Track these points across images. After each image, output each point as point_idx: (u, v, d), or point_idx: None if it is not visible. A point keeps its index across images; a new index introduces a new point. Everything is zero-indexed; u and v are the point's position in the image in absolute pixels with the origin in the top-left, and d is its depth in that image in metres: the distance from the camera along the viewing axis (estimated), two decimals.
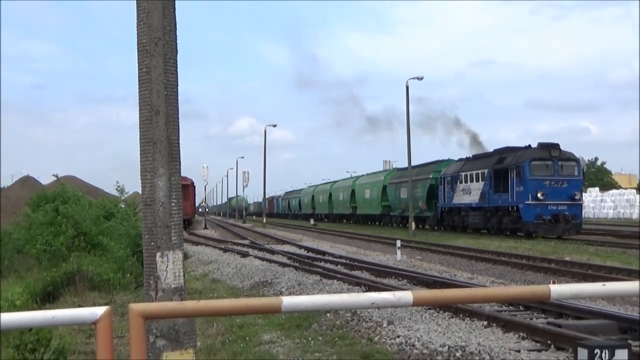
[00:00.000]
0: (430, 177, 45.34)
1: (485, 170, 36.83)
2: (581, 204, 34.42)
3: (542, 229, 31.52)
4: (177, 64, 5.22)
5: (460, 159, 43.58)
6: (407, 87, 43.33)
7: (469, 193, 38.57)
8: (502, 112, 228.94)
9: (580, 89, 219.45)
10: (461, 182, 39.79)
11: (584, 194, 43.69)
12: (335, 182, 74.69)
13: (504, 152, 36.64)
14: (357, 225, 58.65)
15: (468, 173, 39.10)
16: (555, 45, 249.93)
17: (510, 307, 11.55)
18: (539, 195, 31.55)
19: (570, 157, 33.54)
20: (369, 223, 57.25)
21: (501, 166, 35.03)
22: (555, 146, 33.33)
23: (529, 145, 34.82)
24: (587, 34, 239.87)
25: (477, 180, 37.71)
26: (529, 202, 31.80)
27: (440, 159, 47.60)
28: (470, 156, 42.87)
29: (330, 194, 70.40)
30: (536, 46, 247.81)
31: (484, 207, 37.01)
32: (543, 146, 33.64)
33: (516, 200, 33.02)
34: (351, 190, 62.07)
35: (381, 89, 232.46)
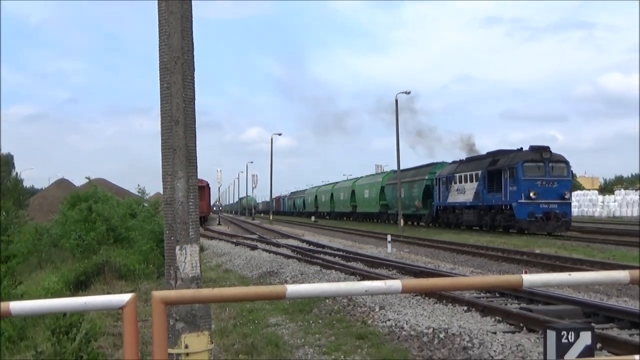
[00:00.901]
0: (426, 178, 44.65)
1: (479, 172, 35.89)
2: (570, 203, 33.47)
3: (534, 226, 30.66)
4: (194, 80, 5.23)
5: (454, 162, 42.72)
6: (397, 101, 43.48)
7: (463, 193, 37.64)
8: (481, 122, 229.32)
9: (549, 102, 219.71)
10: (455, 183, 38.89)
11: None
12: (336, 183, 74.42)
13: (496, 155, 35.73)
14: (354, 222, 58.38)
15: (462, 174, 38.25)
16: (527, 64, 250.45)
17: (488, 294, 11.57)
18: (531, 194, 30.67)
19: (560, 159, 32.51)
20: (368, 220, 56.80)
21: (494, 168, 34.08)
22: (546, 149, 32.39)
23: (521, 148, 33.80)
24: (555, 53, 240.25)
25: (471, 181, 36.79)
26: (522, 201, 30.93)
27: (435, 162, 46.99)
28: (464, 159, 41.87)
29: (332, 194, 70.10)
30: (511, 64, 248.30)
31: (477, 206, 36.02)
32: (534, 149, 32.64)
33: (509, 199, 32.09)
34: (351, 191, 61.68)
35: (374, 101, 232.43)
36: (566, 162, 32.60)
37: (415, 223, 47.54)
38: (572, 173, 34.01)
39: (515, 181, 31.40)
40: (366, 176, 64.10)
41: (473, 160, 39.37)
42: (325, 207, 72.94)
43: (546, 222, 30.39)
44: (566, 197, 31.66)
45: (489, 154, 37.60)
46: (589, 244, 24.86)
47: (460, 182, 38.22)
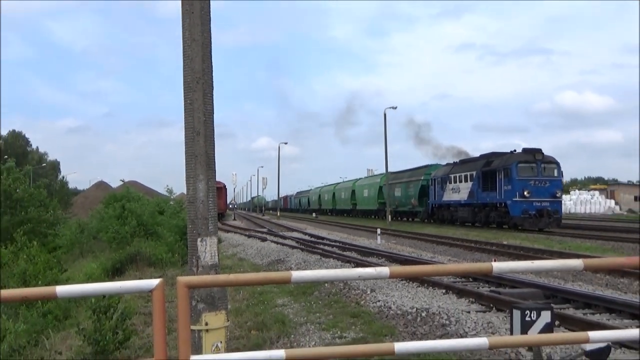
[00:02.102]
0: (422, 178, 42.44)
1: (474, 172, 33.52)
2: (561, 201, 30.81)
3: (528, 222, 28.40)
4: (213, 97, 5.22)
5: (448, 164, 40.36)
6: (385, 115, 43.51)
7: (458, 192, 35.42)
8: (456, 133, 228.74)
9: (513, 116, 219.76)
10: (450, 183, 36.60)
11: None
12: (337, 183, 72.85)
13: (490, 157, 33.33)
14: (351, 217, 57.62)
15: (457, 175, 35.92)
16: (494, 83, 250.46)
17: (463, 279, 11.56)
18: (525, 193, 28.50)
19: (551, 161, 30.07)
20: (367, 216, 55.55)
21: (489, 168, 31.81)
22: (539, 151, 30.03)
23: (514, 150, 31.48)
24: (518, 75, 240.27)
25: (466, 181, 34.52)
26: (517, 199, 28.78)
27: (430, 164, 44.54)
28: (457, 161, 39.30)
29: (334, 193, 68.72)
30: (481, 84, 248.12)
31: (472, 204, 33.67)
32: (527, 151, 30.24)
33: (504, 197, 29.93)
34: (352, 190, 60.27)
35: (367, 115, 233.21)
36: (557, 163, 30.23)
37: (410, 219, 45.73)
38: (562, 173, 30.69)
39: (510, 181, 29.36)
40: (365, 177, 62.83)
41: (466, 162, 37.06)
42: (328, 205, 71.51)
43: (539, 219, 28.42)
44: (557, 195, 29.50)
45: (482, 156, 35.19)
46: (548, 237, 24.83)
47: (455, 182, 35.99)
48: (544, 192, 28.78)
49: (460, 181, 35.23)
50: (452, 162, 40.07)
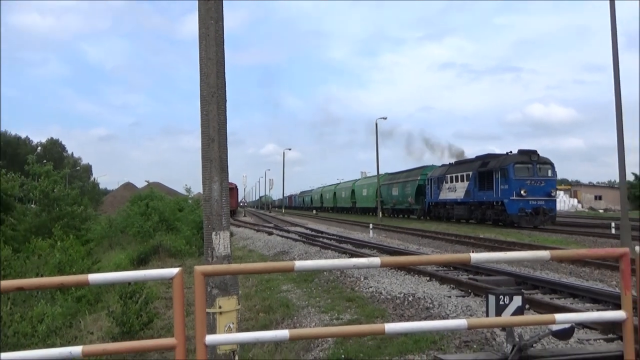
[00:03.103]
0: (419, 178, 40.13)
1: (470, 172, 31.33)
2: (556, 200, 28.60)
3: (524, 220, 26.34)
4: (226, 109, 5.22)
5: (443, 165, 38.04)
6: (376, 124, 43.54)
7: (454, 191, 33.25)
8: (438, 140, 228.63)
9: (488, 126, 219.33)
10: (447, 182, 34.28)
11: None
12: (338, 184, 71.09)
13: (486, 158, 31.02)
14: (349, 214, 56.50)
15: (453, 175, 33.58)
16: (472, 97, 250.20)
17: (444, 268, 11.54)
18: (522, 192, 26.52)
19: (546, 161, 27.82)
20: (366, 214, 53.57)
21: (485, 169, 29.60)
22: (534, 152, 27.87)
23: (511, 152, 29.10)
24: (492, 90, 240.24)
25: (462, 181, 32.34)
26: (514, 198, 26.73)
27: (425, 165, 42.40)
28: (453, 162, 36.94)
29: (335, 193, 67.39)
30: (460, 98, 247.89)
31: (468, 202, 31.52)
32: (523, 152, 28.00)
33: (501, 196, 27.80)
34: (352, 190, 58.82)
35: (360, 124, 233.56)
36: (551, 164, 27.97)
37: (406, 216, 43.64)
38: (556, 173, 28.35)
39: (507, 180, 27.25)
40: (363, 178, 61.00)
41: (462, 164, 34.74)
42: (329, 203, 70.08)
43: (535, 217, 26.43)
44: (552, 194, 27.45)
45: (478, 157, 32.79)
46: (520, 231, 24.81)
47: (452, 181, 33.71)
48: (539, 191, 26.98)
49: (457, 181, 33.24)
50: (447, 163, 38.06)
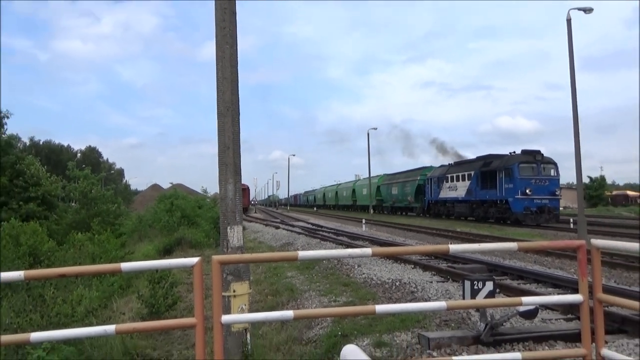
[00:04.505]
0: (418, 178, 37.23)
1: (472, 172, 28.33)
2: (559, 199, 25.21)
3: (529, 218, 23.52)
4: (239, 121, 5.22)
5: (442, 165, 35.08)
6: (368, 134, 43.60)
7: (455, 190, 30.38)
8: (420, 149, 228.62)
9: (463, 135, 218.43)
10: (447, 182, 31.45)
11: None
12: (340, 184, 68.77)
13: (487, 158, 28.05)
14: (348, 211, 55.27)
15: (454, 174, 30.70)
16: (449, 111, 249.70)
17: (427, 257, 11.52)
18: (527, 191, 23.75)
19: (550, 161, 24.81)
20: (366, 211, 50.60)
21: (488, 169, 26.67)
22: (538, 152, 24.94)
23: (514, 152, 26.12)
24: (467, 105, 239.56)
25: (463, 180, 29.48)
26: (518, 196, 23.92)
27: (424, 166, 39.44)
28: (452, 163, 34.00)
29: (337, 192, 65.45)
30: (439, 111, 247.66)
31: (470, 200, 28.59)
32: (527, 152, 24.95)
33: (505, 195, 24.91)
34: (352, 189, 55.94)
35: (356, 135, 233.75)
36: (555, 164, 24.93)
37: (405, 213, 40.93)
38: (559, 173, 25.16)
39: (512, 180, 24.39)
40: (364, 179, 56.65)
41: (462, 164, 31.67)
42: (331, 201, 67.89)
43: (540, 215, 23.65)
44: (557, 193, 24.42)
45: (479, 158, 29.70)
46: (491, 225, 24.76)
47: (452, 181, 30.82)
48: (543, 190, 24.04)
49: (457, 180, 30.26)
50: (447, 164, 35.00)
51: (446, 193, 31.89)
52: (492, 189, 26.30)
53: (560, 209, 27.32)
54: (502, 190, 25.25)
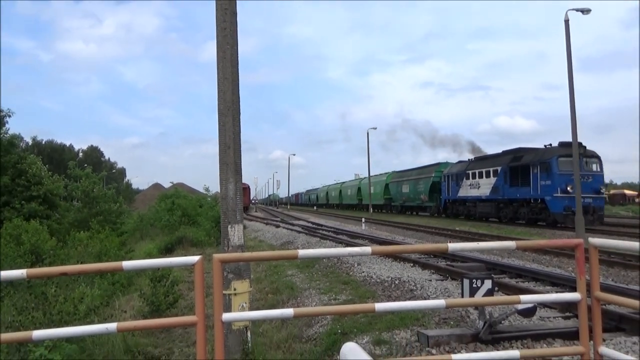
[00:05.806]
0: (433, 175, 33.83)
1: (498, 168, 25.02)
2: (604, 197, 22.18)
3: (570, 219, 19.55)
4: (240, 120, 5.22)
5: (460, 161, 31.67)
6: (368, 134, 43.55)
7: (477, 187, 27.04)
8: (420, 148, 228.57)
9: (462, 135, 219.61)
10: (468, 179, 28.14)
11: None
12: (344, 182, 65.60)
13: (517, 152, 24.67)
14: (354, 211, 53.06)
15: (476, 171, 27.29)
16: (448, 111, 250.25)
17: (426, 255, 11.53)
18: (568, 188, 20.26)
19: (593, 155, 21.42)
20: (375, 210, 47.17)
21: (519, 163, 23.23)
22: (580, 144, 19.61)
23: (550, 144, 22.75)
24: (466, 105, 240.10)
25: (487, 177, 26.13)
26: (557, 194, 20.67)
27: (440, 162, 35.48)
28: (472, 158, 30.69)
29: (341, 191, 62.85)
30: (438, 111, 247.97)
31: (496, 199, 25.15)
32: (566, 144, 20.50)
33: (541, 193, 21.61)
34: (358, 188, 52.91)
35: (356, 134, 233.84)
36: (598, 158, 21.55)
37: (416, 213, 37.66)
38: (603, 168, 21.62)
39: (550, 175, 21.04)
40: (373, 176, 52.84)
41: (486, 159, 28.09)
42: (335, 200, 64.24)
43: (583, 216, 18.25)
44: (601, 191, 21.11)
45: (506, 152, 26.24)
46: (490, 224, 24.74)
47: (474, 177, 27.44)
48: (587, 188, 20.01)
49: (480, 177, 26.87)
50: (467, 159, 31.56)
51: (467, 191, 28.45)
52: (524, 186, 22.77)
53: None
54: (538, 188, 21.88)
